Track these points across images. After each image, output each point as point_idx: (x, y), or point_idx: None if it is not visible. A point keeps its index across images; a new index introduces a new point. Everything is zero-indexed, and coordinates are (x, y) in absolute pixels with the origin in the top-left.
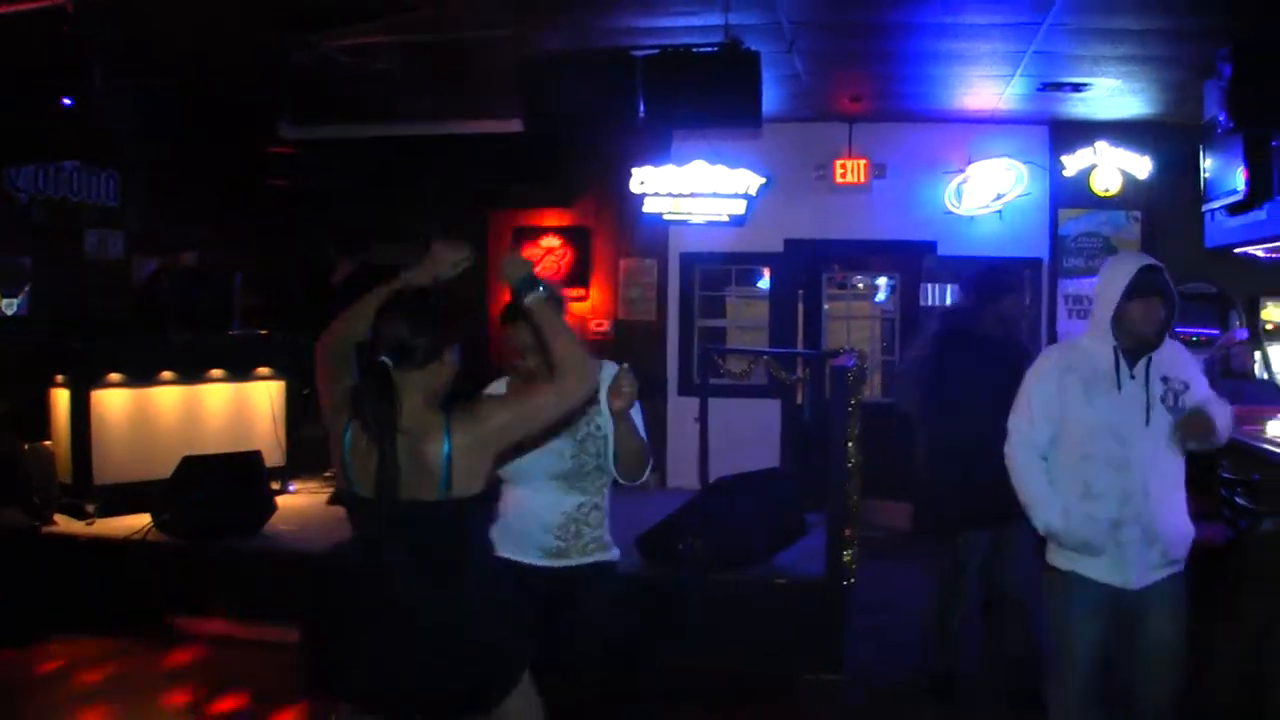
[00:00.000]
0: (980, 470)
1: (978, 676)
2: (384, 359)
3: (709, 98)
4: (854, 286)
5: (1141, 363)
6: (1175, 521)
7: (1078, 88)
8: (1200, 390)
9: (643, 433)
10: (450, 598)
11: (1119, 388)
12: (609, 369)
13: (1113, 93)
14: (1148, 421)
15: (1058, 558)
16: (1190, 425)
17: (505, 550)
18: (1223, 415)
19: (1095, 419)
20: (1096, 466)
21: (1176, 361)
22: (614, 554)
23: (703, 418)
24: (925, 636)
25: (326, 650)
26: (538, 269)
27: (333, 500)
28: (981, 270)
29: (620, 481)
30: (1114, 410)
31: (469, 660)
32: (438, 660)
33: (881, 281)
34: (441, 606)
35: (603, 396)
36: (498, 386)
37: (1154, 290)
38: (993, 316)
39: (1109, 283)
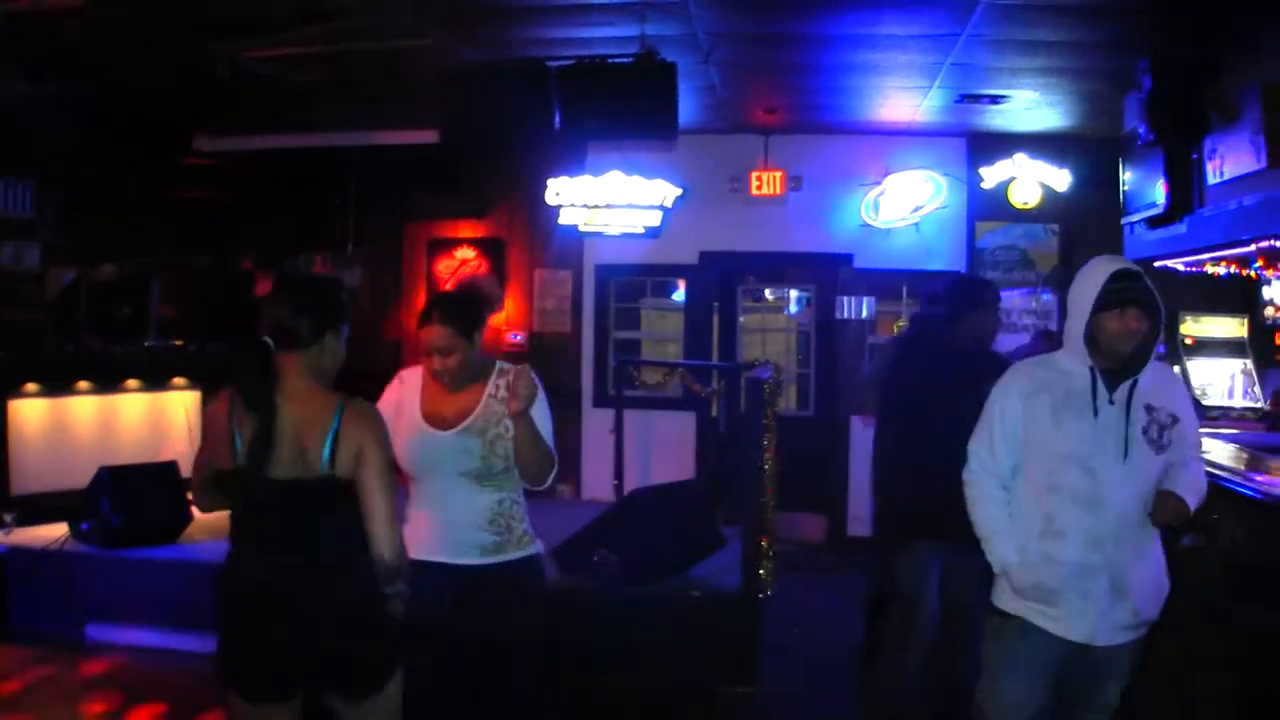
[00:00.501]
0: (935, 479)
1: (923, 709)
2: (266, 339)
3: (625, 108)
4: (769, 299)
5: (1124, 386)
6: (1150, 574)
7: (996, 99)
8: (1187, 430)
9: (548, 436)
10: (331, 577)
11: (1095, 413)
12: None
13: (1031, 105)
14: (1126, 455)
15: (1006, 600)
16: (1163, 511)
17: (430, 553)
18: (1198, 481)
19: (1064, 447)
20: (1062, 501)
21: (1164, 388)
22: (540, 546)
23: (618, 429)
24: (864, 670)
25: (222, 642)
26: (450, 283)
27: (207, 483)
28: (959, 280)
29: (524, 485)
30: (1086, 438)
31: (350, 641)
32: (318, 640)
33: (793, 294)
34: (322, 585)
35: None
36: (399, 384)
37: (1130, 299)
38: (968, 328)
39: (1080, 292)
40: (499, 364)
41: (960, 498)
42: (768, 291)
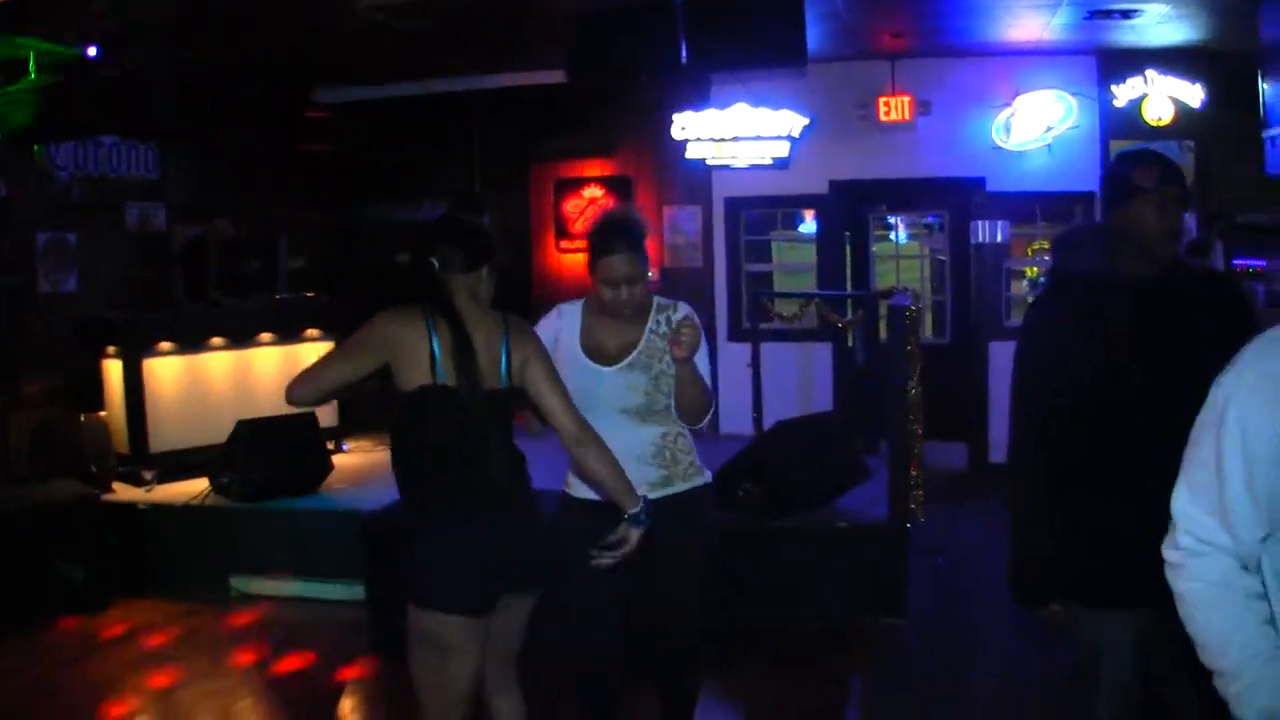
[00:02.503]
0: (1130, 516)
1: None
2: (431, 260)
3: (752, 38)
4: (899, 225)
5: None
6: None
7: (1126, 14)
8: None
9: (708, 379)
10: (523, 481)
11: None
12: (682, 310)
13: (1162, 19)
14: None
15: None
16: None
17: (594, 492)
18: None
19: None
20: None
21: None
22: (708, 475)
23: (755, 363)
24: None
25: (434, 564)
26: (582, 220)
27: (405, 404)
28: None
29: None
30: None
31: (539, 541)
32: (523, 542)
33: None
34: (520, 489)
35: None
36: (556, 317)
37: None
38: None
39: None
40: (657, 299)
41: None
42: (894, 219)
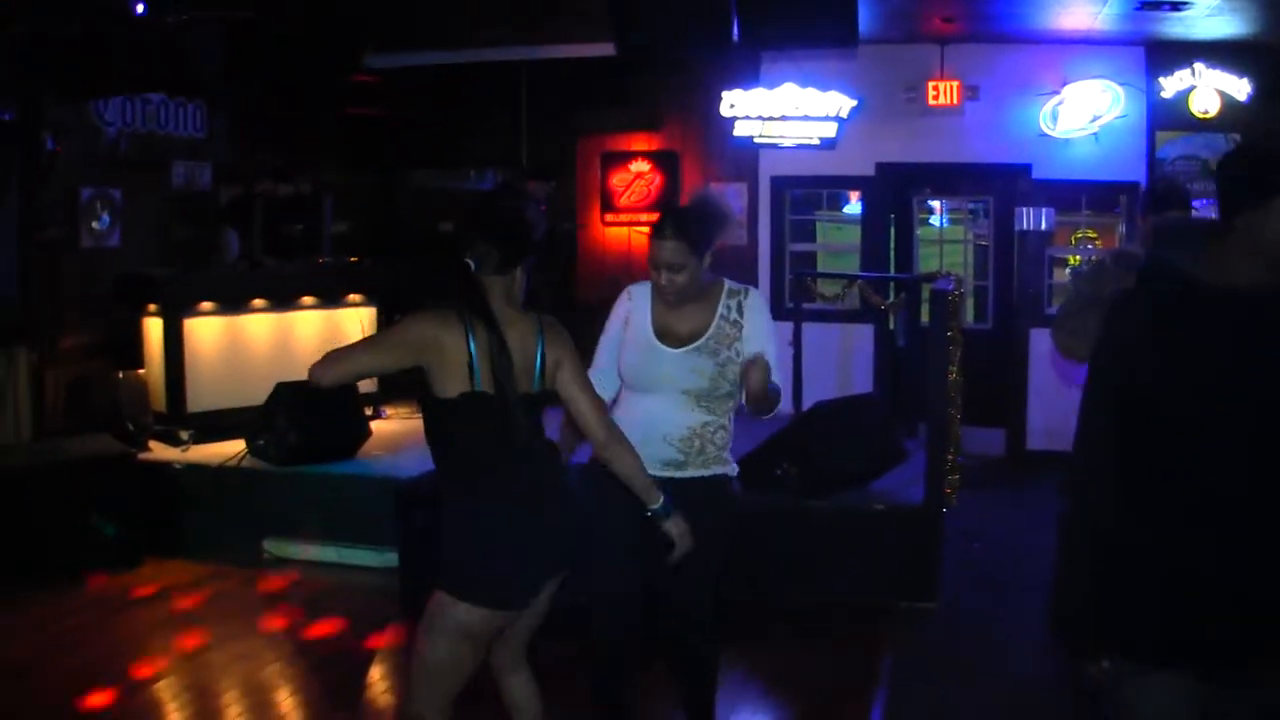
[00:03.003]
0: (1214, 556)
1: None
2: (467, 260)
3: (804, 17)
4: (943, 209)
5: None
6: None
7: (1176, 6)
8: None
9: (775, 378)
10: (561, 477)
11: None
12: (752, 296)
13: (1211, 11)
14: None
15: None
16: None
17: None
18: None
19: None
20: None
21: None
22: (733, 469)
23: (796, 343)
24: None
25: (474, 559)
26: (628, 194)
27: (443, 410)
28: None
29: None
30: None
31: (575, 532)
32: (563, 535)
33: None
34: (559, 485)
35: (747, 325)
36: (626, 299)
37: None
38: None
39: None
40: (728, 284)
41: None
42: (940, 203)
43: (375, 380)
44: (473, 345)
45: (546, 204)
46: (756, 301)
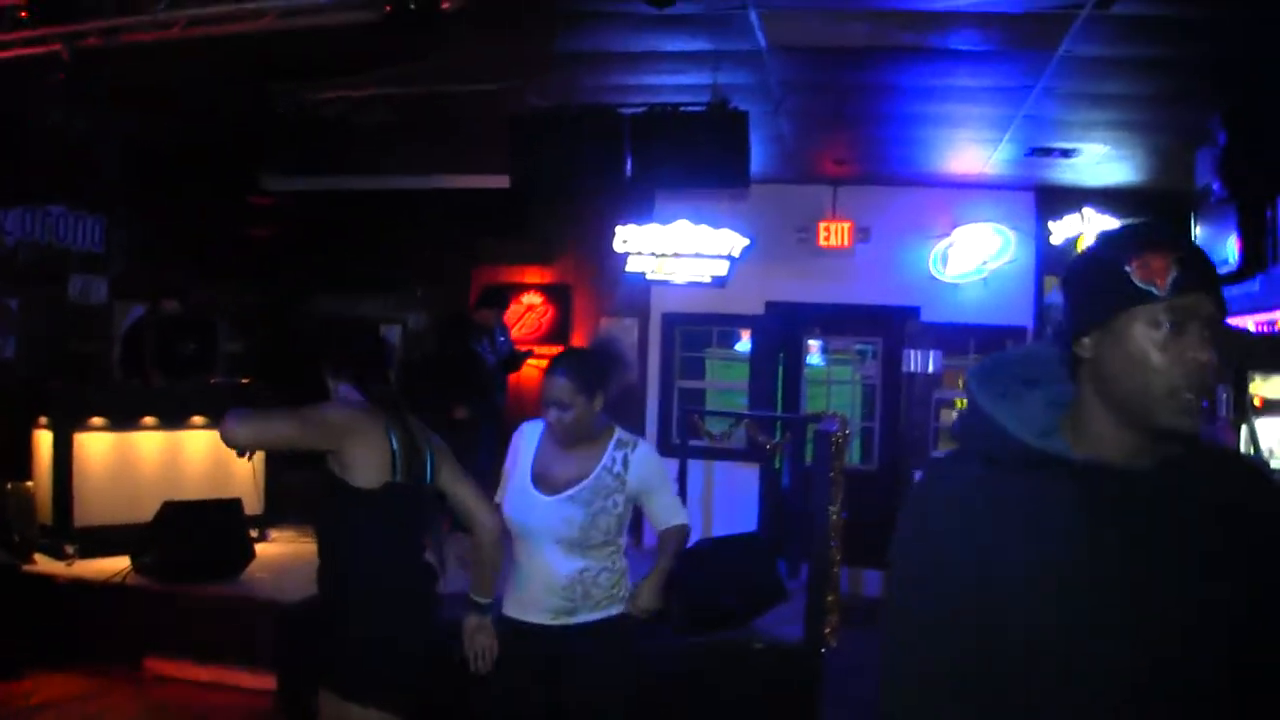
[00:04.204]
0: None
1: None
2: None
3: (697, 157)
4: (834, 351)
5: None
6: None
7: (1066, 153)
8: None
9: (674, 506)
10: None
11: None
12: (640, 448)
13: (1101, 159)
14: None
15: None
16: None
17: (511, 610)
18: None
19: None
20: None
21: None
22: (624, 607)
23: (682, 480)
24: None
25: (369, 658)
26: (520, 326)
27: (362, 498)
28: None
29: None
30: None
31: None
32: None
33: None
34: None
35: (632, 479)
36: (518, 437)
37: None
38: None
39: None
40: (618, 433)
41: None
42: (828, 343)
43: (262, 502)
44: (395, 440)
45: (500, 330)
46: (645, 454)
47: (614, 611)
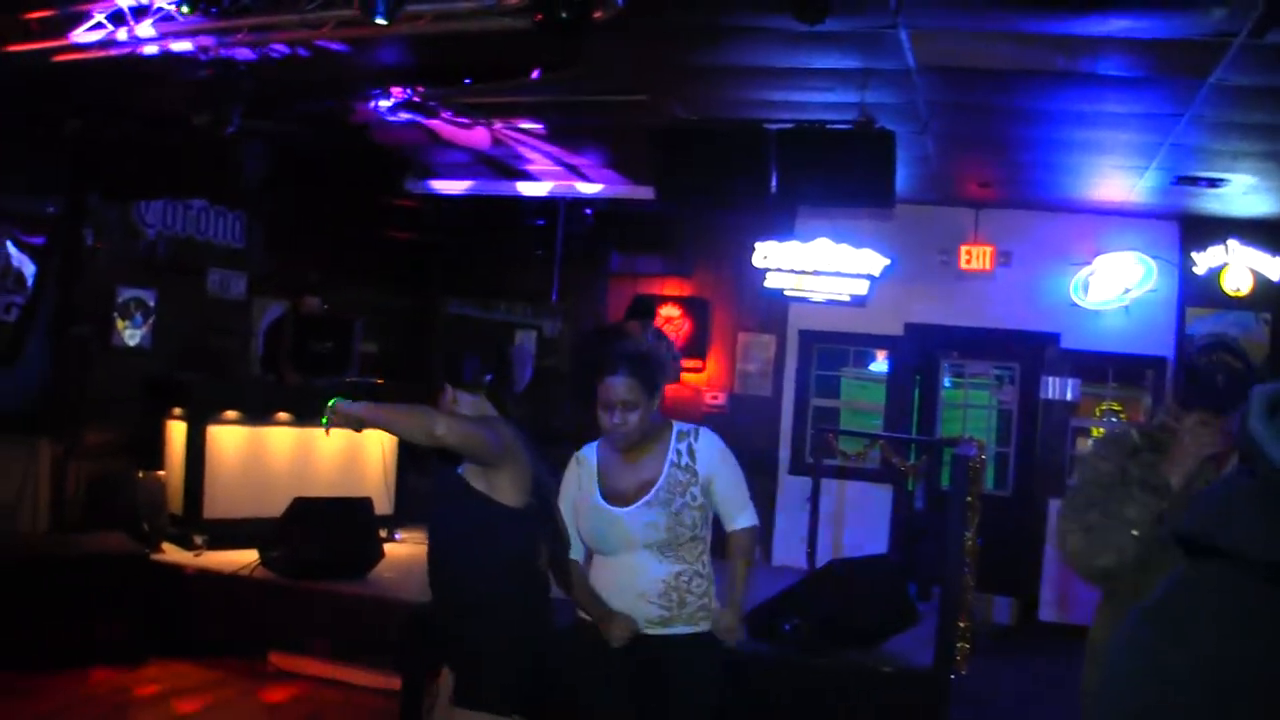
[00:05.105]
0: None
1: None
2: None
3: (843, 175)
4: (972, 375)
5: None
6: None
7: (1213, 183)
8: None
9: (743, 502)
10: None
11: None
12: (704, 437)
13: (1248, 189)
14: None
15: None
16: None
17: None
18: None
19: None
20: None
21: None
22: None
23: (814, 498)
24: None
25: (498, 668)
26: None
27: (505, 516)
28: None
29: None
30: None
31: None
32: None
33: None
34: None
35: (701, 468)
36: (575, 466)
37: None
38: None
39: None
40: (676, 425)
41: None
42: (965, 367)
43: (391, 502)
44: (531, 460)
45: (657, 340)
46: (708, 439)
47: (706, 627)
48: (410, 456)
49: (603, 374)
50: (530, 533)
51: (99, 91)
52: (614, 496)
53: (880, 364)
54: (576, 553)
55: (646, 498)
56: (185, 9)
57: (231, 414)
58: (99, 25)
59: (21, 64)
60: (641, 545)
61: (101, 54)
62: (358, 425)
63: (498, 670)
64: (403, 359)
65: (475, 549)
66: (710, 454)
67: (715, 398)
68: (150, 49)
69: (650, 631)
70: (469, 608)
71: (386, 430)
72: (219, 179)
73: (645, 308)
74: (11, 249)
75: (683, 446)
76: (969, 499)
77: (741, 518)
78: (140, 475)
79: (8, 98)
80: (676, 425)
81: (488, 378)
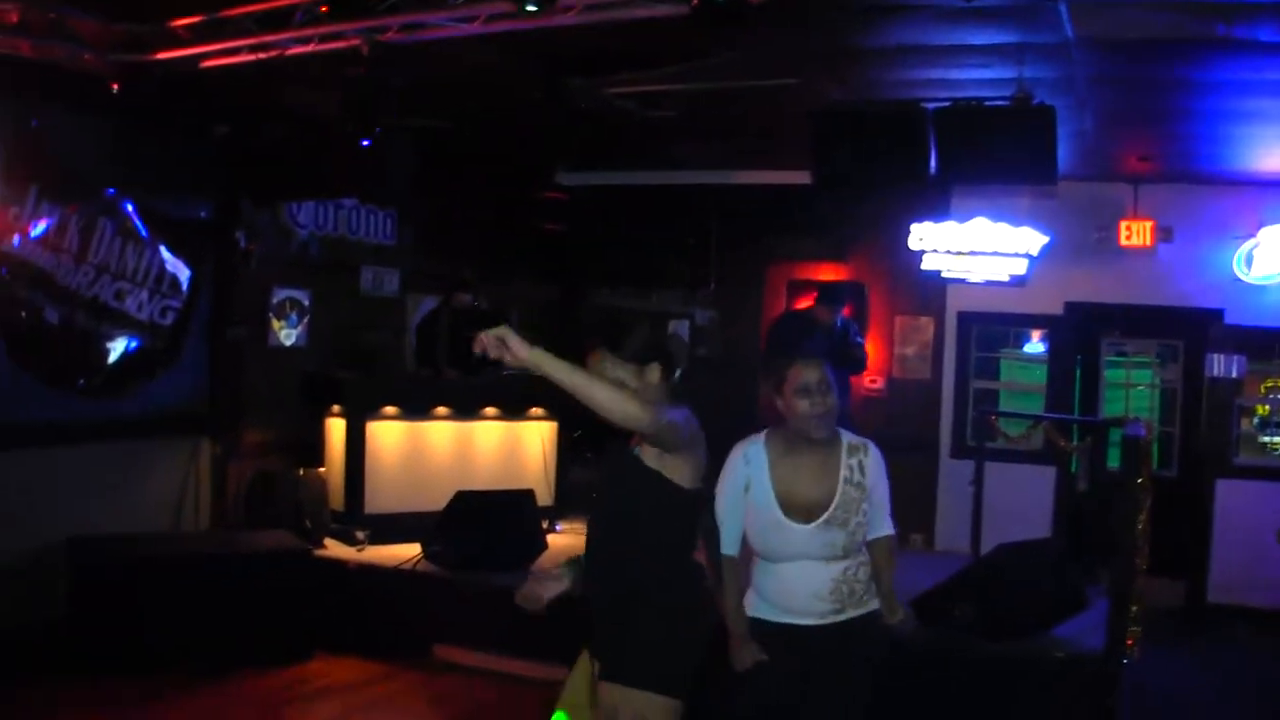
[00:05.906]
0: None
1: None
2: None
3: (1002, 153)
4: (1135, 354)
5: None
6: None
7: None
8: None
9: (888, 511)
10: None
11: None
12: (872, 453)
13: None
14: None
15: None
16: None
17: (774, 615)
18: None
19: None
20: None
21: None
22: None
23: (978, 481)
24: None
25: (663, 649)
26: None
27: (684, 500)
28: None
29: None
30: None
31: None
32: None
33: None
34: None
35: (869, 483)
36: (743, 464)
37: None
38: None
39: None
40: (845, 438)
41: None
42: (1128, 345)
43: (553, 493)
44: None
45: (845, 327)
46: (877, 458)
47: (873, 607)
48: (586, 436)
49: (798, 357)
50: (698, 516)
51: (247, 95)
52: (792, 509)
53: (1036, 345)
54: (732, 549)
55: (825, 517)
56: (332, 9)
57: (390, 409)
58: (246, 30)
59: (170, 71)
60: (818, 558)
61: (249, 58)
62: (521, 365)
63: (665, 654)
64: (556, 350)
65: (647, 530)
66: (878, 471)
67: (874, 382)
68: (297, 50)
69: (825, 622)
70: (636, 589)
71: (572, 391)
72: (368, 178)
73: (834, 294)
74: (165, 254)
75: (854, 462)
76: (1139, 480)
77: (886, 525)
78: (300, 473)
79: (157, 105)
80: (845, 437)
81: (648, 357)
